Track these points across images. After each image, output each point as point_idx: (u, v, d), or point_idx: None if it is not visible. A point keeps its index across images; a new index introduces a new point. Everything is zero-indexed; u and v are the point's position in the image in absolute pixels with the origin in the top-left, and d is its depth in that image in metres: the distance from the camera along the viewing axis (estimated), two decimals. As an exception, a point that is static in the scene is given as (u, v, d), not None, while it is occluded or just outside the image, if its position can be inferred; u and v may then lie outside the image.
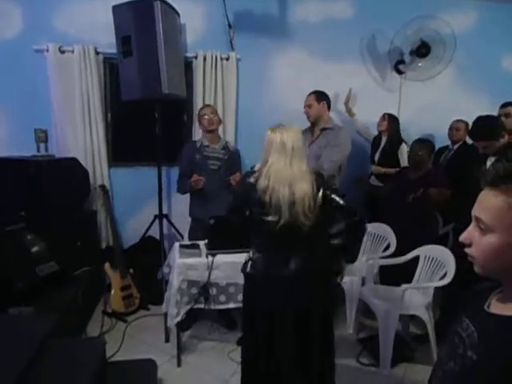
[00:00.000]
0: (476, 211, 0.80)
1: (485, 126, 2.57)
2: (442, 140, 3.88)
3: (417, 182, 3.01)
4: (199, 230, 2.95)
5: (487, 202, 0.78)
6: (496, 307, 0.81)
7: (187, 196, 3.20)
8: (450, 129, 3.76)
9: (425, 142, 3.19)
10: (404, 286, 2.50)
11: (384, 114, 3.70)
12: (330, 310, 1.99)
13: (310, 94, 3.08)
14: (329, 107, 3.08)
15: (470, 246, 0.81)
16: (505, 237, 0.75)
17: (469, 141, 3.57)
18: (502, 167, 0.77)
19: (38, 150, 3.15)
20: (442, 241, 3.29)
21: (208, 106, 3.21)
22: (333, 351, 1.98)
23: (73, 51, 3.33)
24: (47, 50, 3.30)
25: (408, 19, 3.65)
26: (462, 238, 0.82)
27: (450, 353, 0.86)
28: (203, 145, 3.06)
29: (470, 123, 2.70)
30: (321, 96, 3.03)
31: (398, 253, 2.92)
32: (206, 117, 3.01)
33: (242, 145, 3.73)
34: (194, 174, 2.90)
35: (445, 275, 2.49)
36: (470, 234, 0.81)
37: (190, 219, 3.21)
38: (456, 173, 3.17)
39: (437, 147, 3.95)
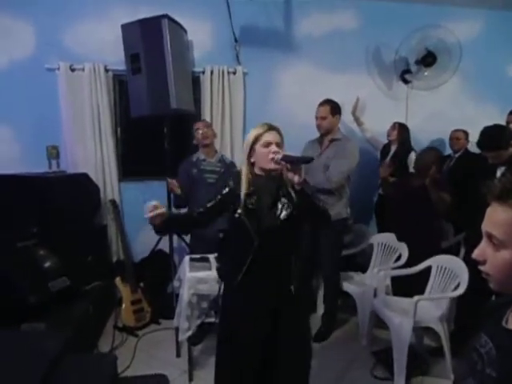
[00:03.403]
0: (487, 226, 0.78)
1: (492, 136, 2.54)
2: (450, 148, 3.88)
3: (420, 189, 3.00)
4: (198, 245, 2.97)
5: (497, 218, 0.76)
6: None
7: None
8: (451, 139, 3.81)
9: (431, 150, 3.19)
10: (416, 297, 2.47)
11: (394, 123, 3.70)
12: None
13: (323, 105, 3.02)
14: (340, 119, 3.09)
15: (483, 263, 0.78)
16: None
17: (470, 149, 3.57)
18: (508, 181, 0.75)
19: (50, 167, 3.21)
20: (453, 251, 3.26)
21: (202, 120, 3.23)
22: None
23: (83, 69, 3.40)
24: (58, 69, 3.38)
25: (412, 29, 3.67)
26: (475, 255, 0.80)
27: (469, 370, 0.84)
28: (200, 159, 3.06)
29: (478, 131, 2.67)
30: (336, 109, 3.01)
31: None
32: (200, 131, 3.01)
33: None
34: (168, 179, 2.92)
35: (458, 286, 2.45)
36: (482, 250, 0.79)
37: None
38: (459, 180, 3.16)
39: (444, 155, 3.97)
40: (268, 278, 1.74)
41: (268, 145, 1.71)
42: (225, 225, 2.83)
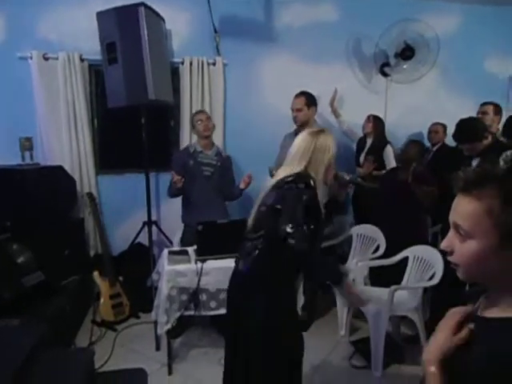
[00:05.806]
0: (453, 217, 0.79)
1: (468, 129, 2.60)
2: (428, 141, 3.94)
3: (406, 182, 3.02)
4: (192, 236, 2.95)
5: (462, 209, 0.77)
6: (484, 310, 0.81)
7: (176, 202, 3.18)
8: (429, 132, 3.89)
9: (415, 143, 3.23)
10: (393, 287, 2.51)
11: (369, 116, 3.71)
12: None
13: (298, 96, 3.04)
14: (316, 111, 3.09)
15: (451, 253, 0.80)
16: (485, 242, 0.74)
17: (448, 142, 3.64)
18: (471, 173, 0.77)
19: (23, 159, 3.12)
20: (431, 241, 3.32)
21: (202, 111, 3.19)
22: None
23: (57, 58, 3.30)
24: (31, 58, 3.26)
25: (392, 22, 3.70)
26: (443, 246, 0.81)
27: None
28: (197, 150, 3.02)
29: (455, 124, 2.72)
30: (311, 100, 3.02)
31: (390, 254, 2.93)
32: (203, 122, 2.98)
33: (230, 149, 3.73)
34: (173, 173, 2.84)
35: (433, 276, 2.51)
36: (449, 241, 0.80)
37: (182, 225, 3.18)
38: (437, 173, 3.22)
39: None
40: None
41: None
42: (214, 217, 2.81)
